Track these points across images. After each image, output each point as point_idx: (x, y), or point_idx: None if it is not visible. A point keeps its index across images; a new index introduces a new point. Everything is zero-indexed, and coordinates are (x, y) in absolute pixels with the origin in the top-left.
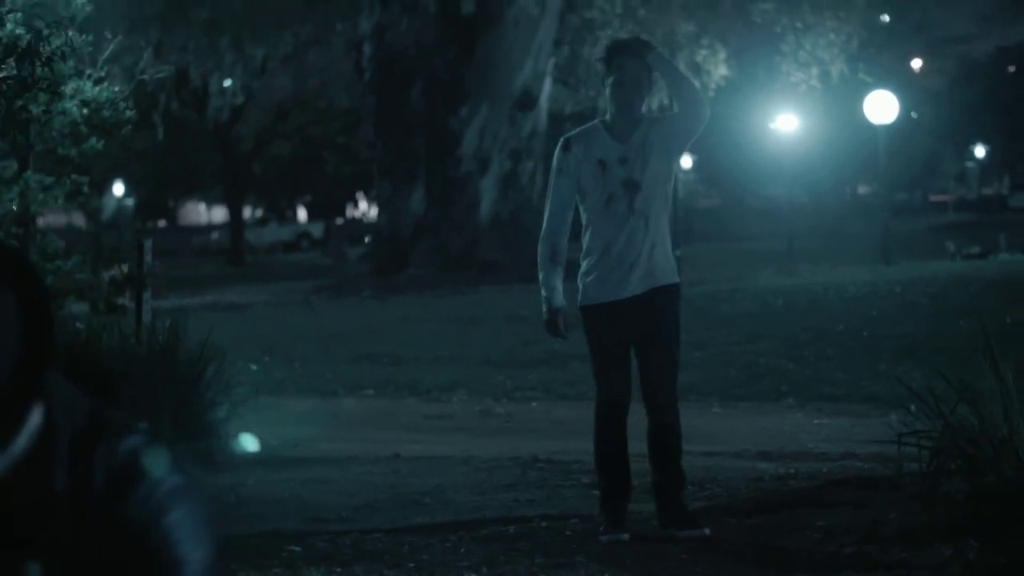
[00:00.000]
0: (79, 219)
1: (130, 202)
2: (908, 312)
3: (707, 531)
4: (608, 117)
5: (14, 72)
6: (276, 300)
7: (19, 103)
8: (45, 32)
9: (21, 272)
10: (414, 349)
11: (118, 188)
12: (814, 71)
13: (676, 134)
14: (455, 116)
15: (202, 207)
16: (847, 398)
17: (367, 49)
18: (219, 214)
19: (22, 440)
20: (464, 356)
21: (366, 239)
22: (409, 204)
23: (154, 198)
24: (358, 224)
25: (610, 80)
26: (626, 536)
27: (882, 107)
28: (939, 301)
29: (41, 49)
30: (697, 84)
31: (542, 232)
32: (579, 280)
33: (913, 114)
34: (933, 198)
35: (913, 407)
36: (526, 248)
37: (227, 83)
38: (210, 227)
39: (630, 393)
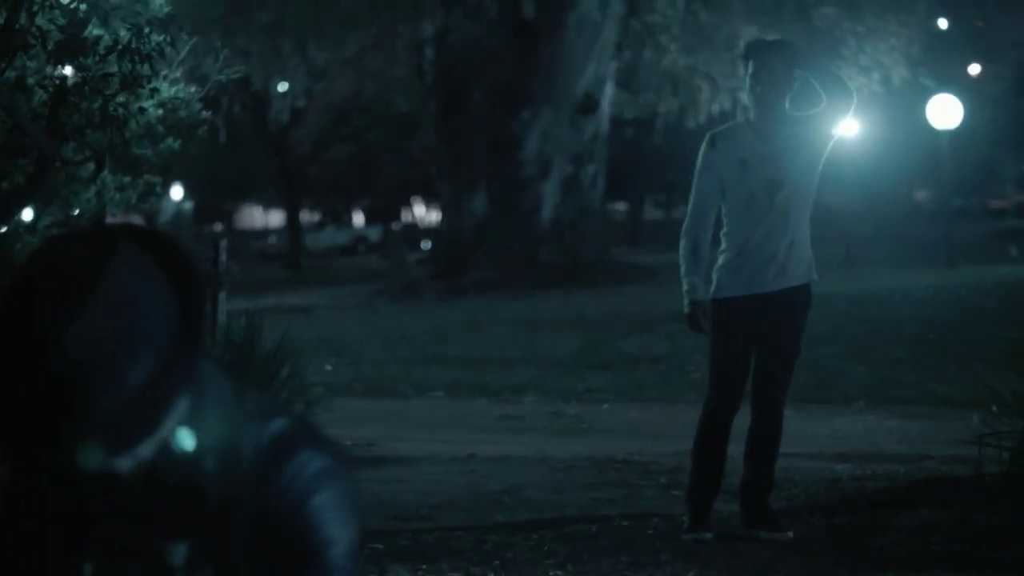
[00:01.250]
0: (136, 221)
1: (188, 205)
2: (975, 315)
3: (791, 534)
4: (752, 115)
5: (113, 69)
6: (337, 303)
7: (117, 100)
8: (147, 30)
9: (176, 259)
10: (481, 351)
11: (176, 191)
12: (875, 76)
13: (820, 130)
14: (516, 120)
15: (259, 211)
16: (919, 400)
17: (428, 53)
18: (276, 218)
19: (172, 423)
20: (532, 358)
21: (423, 243)
22: (470, 208)
23: (211, 201)
24: (415, 229)
25: (747, 78)
26: (710, 535)
27: (946, 112)
28: (1006, 305)
29: (141, 47)
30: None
31: (684, 226)
32: (713, 273)
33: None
34: (992, 204)
35: (994, 408)
36: (587, 252)
37: (282, 87)
38: (267, 231)
39: (742, 397)
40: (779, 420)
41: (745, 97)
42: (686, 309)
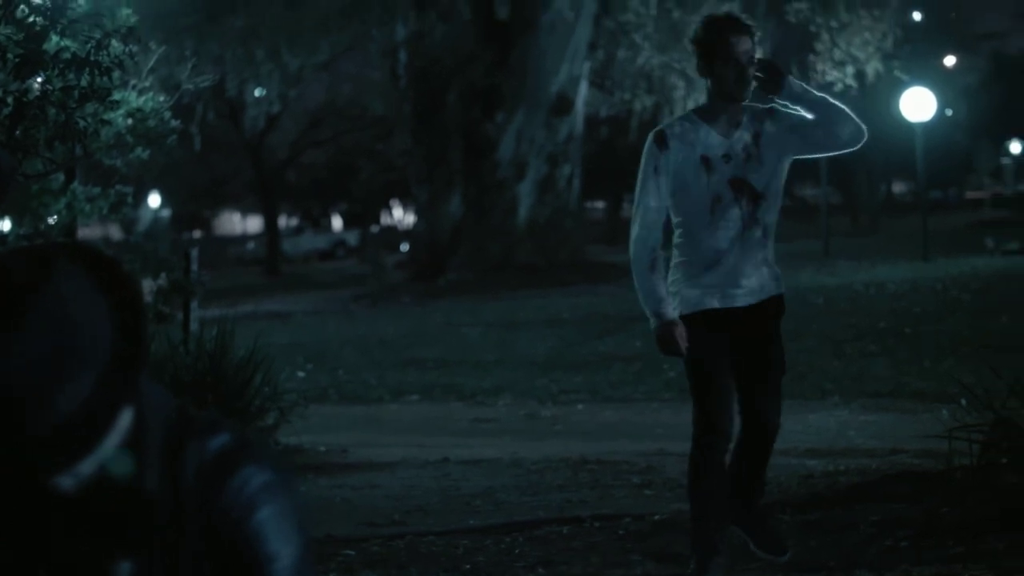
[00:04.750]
0: (114, 231)
1: (166, 213)
2: (950, 308)
3: (787, 557)
4: (709, 107)
5: (74, 82)
6: (315, 309)
7: (78, 114)
8: (106, 42)
9: (113, 276)
10: (457, 354)
11: (154, 199)
12: (849, 70)
13: (784, 122)
14: (491, 122)
15: (237, 217)
16: (892, 394)
17: (402, 56)
18: (254, 224)
19: (113, 441)
20: (507, 360)
21: (402, 246)
22: (447, 210)
23: (189, 208)
24: (393, 232)
25: (701, 62)
26: None
27: (919, 104)
28: (981, 297)
29: (101, 59)
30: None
31: (634, 237)
32: (672, 289)
33: (948, 111)
34: (969, 195)
35: (964, 401)
36: (564, 252)
37: (258, 92)
38: (245, 237)
39: (734, 422)
40: (777, 429)
41: (723, 85)
42: (655, 330)
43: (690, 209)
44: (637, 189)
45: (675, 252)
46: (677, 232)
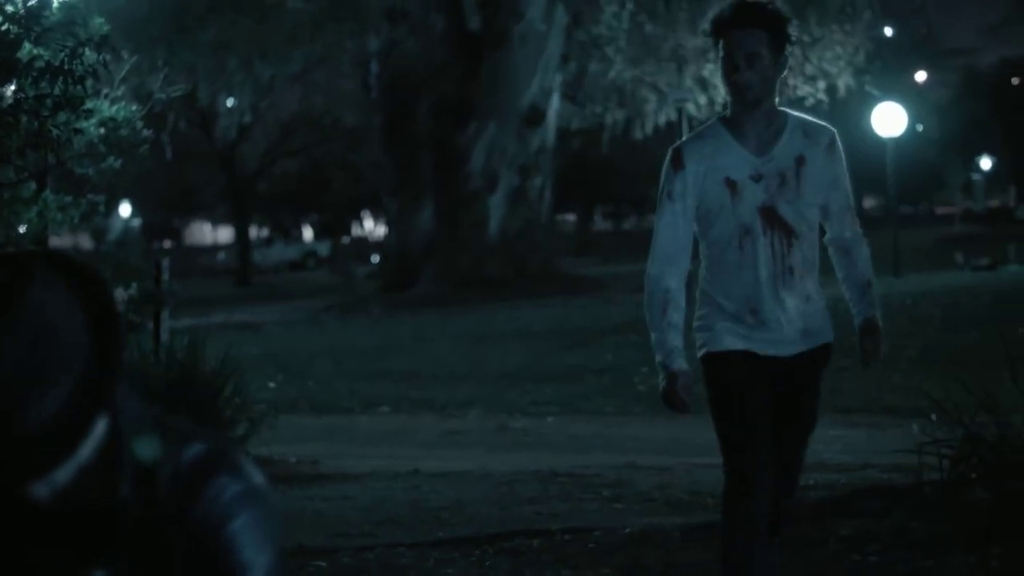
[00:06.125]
0: (84, 240)
1: (136, 222)
2: (921, 323)
3: None
4: (733, 115)
5: (47, 91)
6: (286, 319)
7: (51, 122)
8: (79, 51)
9: (89, 283)
10: (428, 366)
11: (124, 208)
12: (820, 84)
13: (826, 136)
14: (462, 133)
15: (208, 227)
16: (862, 410)
17: (374, 67)
18: (225, 234)
19: (87, 449)
20: (478, 372)
21: (373, 258)
22: (418, 222)
23: (160, 218)
24: (364, 243)
25: (724, 59)
26: None
27: (890, 119)
28: (951, 312)
29: (75, 68)
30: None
31: (648, 274)
32: (697, 332)
33: (919, 126)
34: (939, 210)
35: (933, 416)
36: (535, 264)
37: (230, 102)
38: (216, 247)
39: (773, 471)
40: (791, 503)
41: (726, 92)
42: (661, 383)
43: (715, 241)
44: (655, 218)
45: (701, 281)
46: (703, 265)
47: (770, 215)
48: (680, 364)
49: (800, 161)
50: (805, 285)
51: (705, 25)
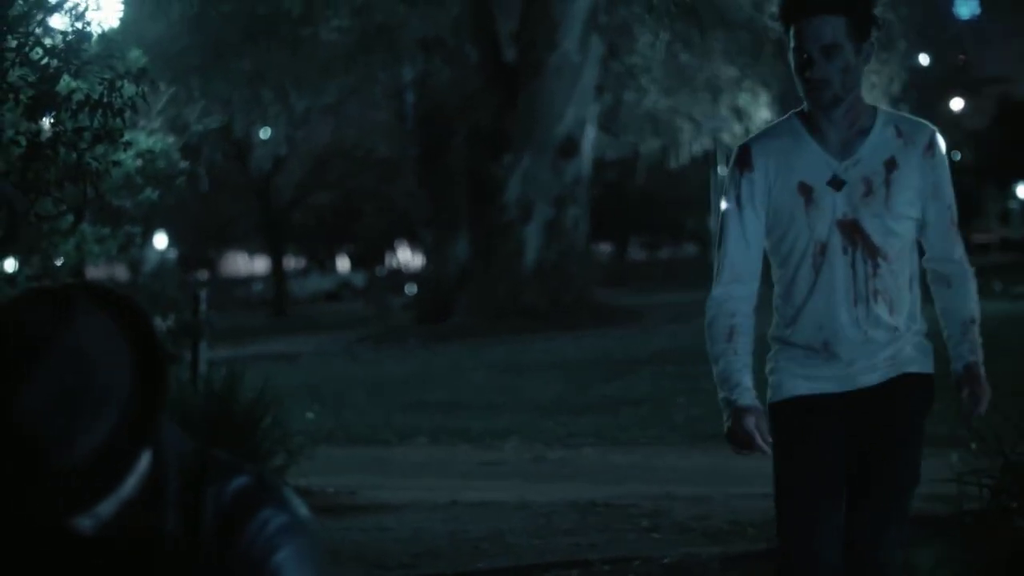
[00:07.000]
0: (121, 271)
1: (172, 253)
2: None
3: None
4: (811, 112)
5: (86, 123)
6: (322, 350)
7: (89, 155)
8: (118, 83)
9: (130, 316)
10: (464, 397)
11: (160, 240)
12: None
13: (925, 135)
14: (497, 164)
15: (243, 258)
16: None
17: (408, 98)
18: (261, 265)
19: (132, 483)
20: (514, 403)
21: (408, 288)
22: (453, 252)
23: (196, 249)
24: (399, 274)
25: (795, 51)
26: None
27: None
28: (990, 340)
29: (113, 100)
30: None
31: (711, 296)
32: (768, 370)
33: (955, 155)
34: (976, 238)
35: (973, 445)
36: (570, 295)
37: (264, 134)
38: (252, 278)
39: (840, 551)
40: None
41: (799, 89)
42: (727, 422)
43: (787, 258)
44: (719, 230)
45: (775, 313)
46: (776, 288)
47: (851, 229)
48: (748, 399)
49: (890, 165)
50: (894, 317)
51: (773, 9)
